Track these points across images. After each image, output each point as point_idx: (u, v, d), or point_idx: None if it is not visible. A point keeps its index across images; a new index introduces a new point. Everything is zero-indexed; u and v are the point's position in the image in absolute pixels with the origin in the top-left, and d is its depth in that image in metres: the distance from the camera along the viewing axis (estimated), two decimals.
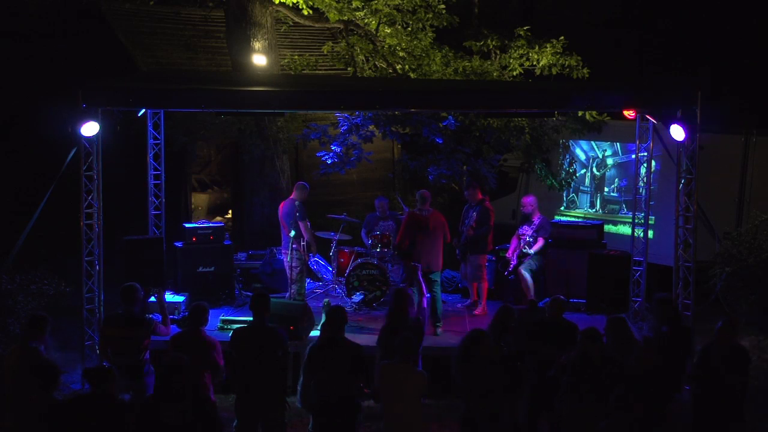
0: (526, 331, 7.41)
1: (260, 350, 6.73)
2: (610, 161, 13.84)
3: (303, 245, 10.45)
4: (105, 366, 6.05)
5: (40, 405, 5.82)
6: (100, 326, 8.64)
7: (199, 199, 16.62)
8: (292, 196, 10.56)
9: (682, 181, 8.87)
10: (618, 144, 13.61)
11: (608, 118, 12.07)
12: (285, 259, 10.61)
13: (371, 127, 12.05)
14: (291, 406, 6.95)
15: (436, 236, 9.76)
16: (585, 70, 12.07)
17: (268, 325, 6.89)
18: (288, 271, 10.53)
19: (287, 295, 10.70)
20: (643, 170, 10.84)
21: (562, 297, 7.76)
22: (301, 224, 10.36)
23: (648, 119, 10.11)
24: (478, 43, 12.51)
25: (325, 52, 13.57)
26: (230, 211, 16.28)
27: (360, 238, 11.76)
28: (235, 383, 6.91)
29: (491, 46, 12.50)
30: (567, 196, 14.26)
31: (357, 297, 10.74)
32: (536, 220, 10.94)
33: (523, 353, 7.05)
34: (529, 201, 11.10)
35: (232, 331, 7.21)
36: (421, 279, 9.15)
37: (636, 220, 10.87)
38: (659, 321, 7.50)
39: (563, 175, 13.36)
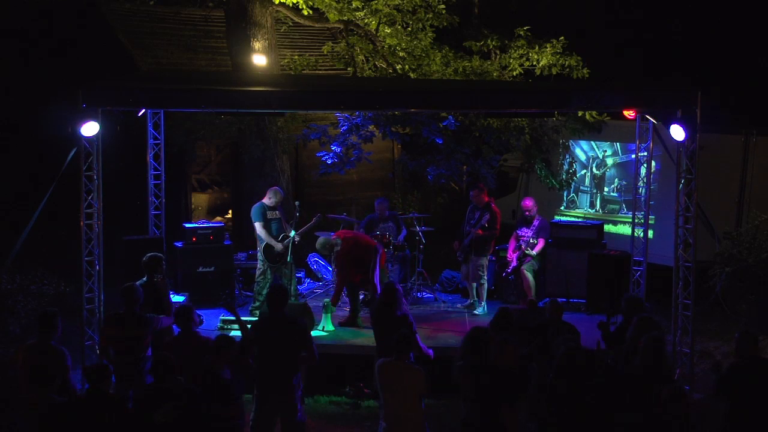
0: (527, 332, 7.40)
1: (282, 342, 6.70)
2: (610, 161, 13.83)
3: (261, 246, 10.53)
4: (103, 364, 6.13)
5: (43, 404, 5.85)
6: (100, 326, 8.65)
7: (199, 199, 16.60)
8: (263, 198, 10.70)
9: (682, 181, 8.86)
10: (618, 144, 13.61)
11: (608, 118, 12.04)
12: None
13: (371, 127, 12.04)
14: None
15: None
16: (585, 71, 12.05)
17: (288, 315, 6.92)
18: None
19: None
20: (643, 170, 10.84)
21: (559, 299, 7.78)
22: (256, 225, 10.48)
23: (648, 119, 10.11)
24: (478, 43, 12.49)
25: (325, 52, 13.56)
26: (230, 211, 16.26)
27: None
28: (255, 376, 6.81)
29: (491, 46, 12.48)
30: (567, 196, 14.26)
31: None
32: (536, 222, 10.95)
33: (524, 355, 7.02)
34: (532, 204, 11.10)
35: (251, 324, 7.15)
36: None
37: (636, 220, 10.87)
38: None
39: (563, 176, 13.36)
